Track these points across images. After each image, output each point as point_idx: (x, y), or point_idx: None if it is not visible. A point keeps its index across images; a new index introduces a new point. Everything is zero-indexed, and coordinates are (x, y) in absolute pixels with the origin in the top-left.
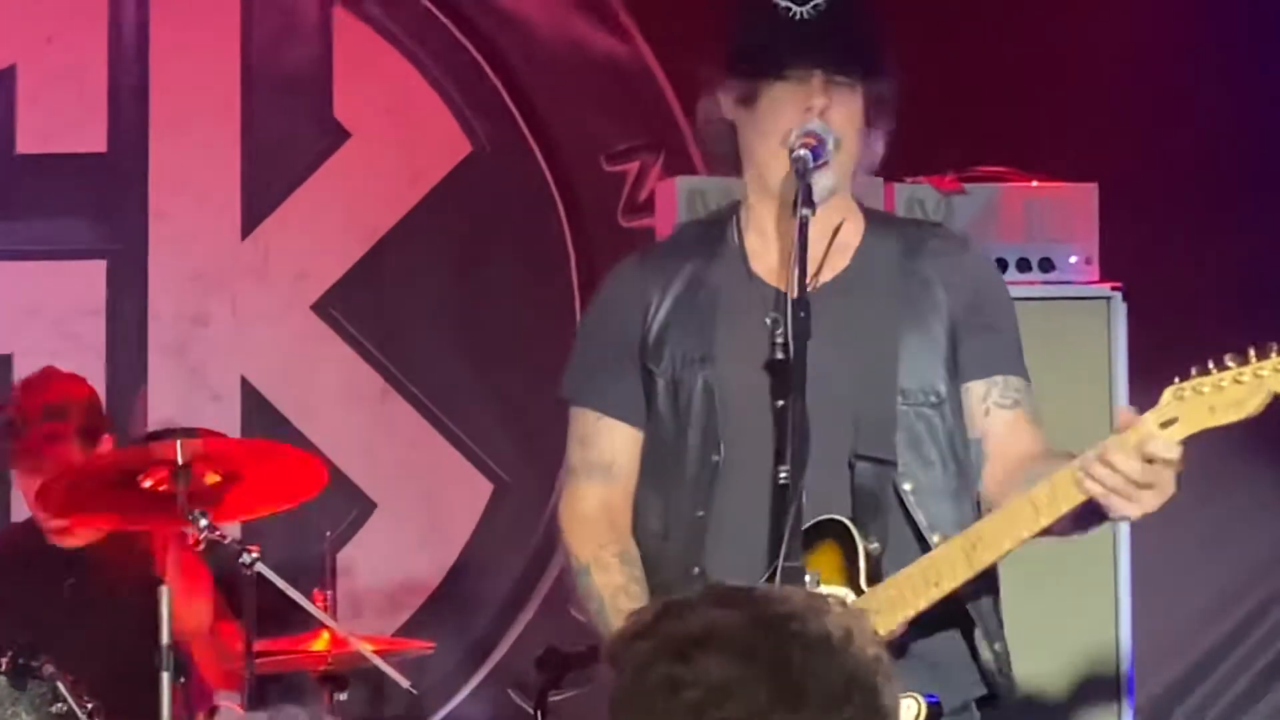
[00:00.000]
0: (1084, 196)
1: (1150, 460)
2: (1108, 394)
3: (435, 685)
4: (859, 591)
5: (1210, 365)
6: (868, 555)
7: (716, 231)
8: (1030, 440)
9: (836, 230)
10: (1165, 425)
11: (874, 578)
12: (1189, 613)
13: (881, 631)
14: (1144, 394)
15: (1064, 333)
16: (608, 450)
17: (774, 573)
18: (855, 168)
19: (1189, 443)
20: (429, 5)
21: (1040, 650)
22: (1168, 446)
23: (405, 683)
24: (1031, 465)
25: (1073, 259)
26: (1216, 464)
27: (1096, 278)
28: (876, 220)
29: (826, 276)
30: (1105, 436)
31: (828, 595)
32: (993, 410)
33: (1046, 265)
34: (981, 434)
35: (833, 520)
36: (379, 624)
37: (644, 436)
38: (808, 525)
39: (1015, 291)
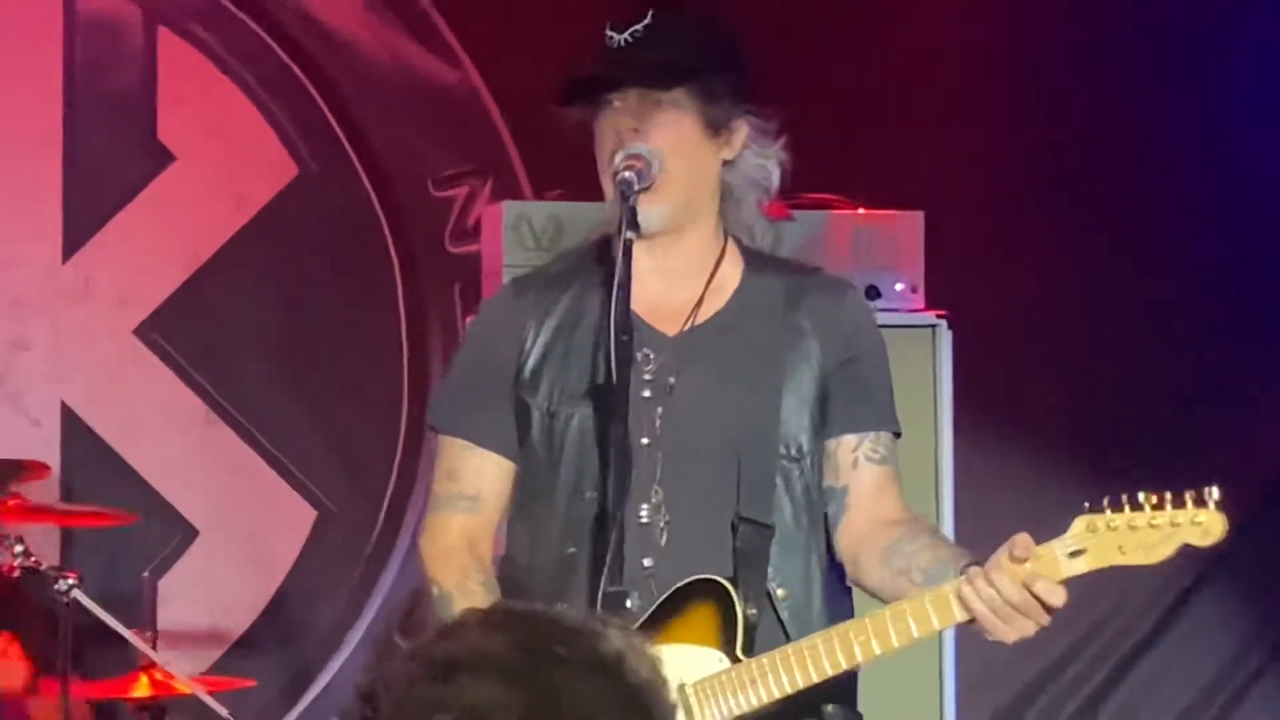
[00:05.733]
0: (910, 225)
1: (1034, 595)
2: (933, 421)
3: (257, 716)
4: (735, 659)
5: (1123, 499)
6: (746, 621)
7: (590, 263)
8: (894, 502)
9: (715, 268)
10: (1073, 555)
11: (749, 645)
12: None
13: (752, 705)
14: (968, 421)
15: (890, 360)
16: (474, 481)
17: (598, 597)
18: (703, 193)
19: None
20: (255, 27)
21: (863, 681)
22: (1052, 591)
23: (225, 713)
24: (898, 539)
25: (899, 287)
26: (1040, 492)
27: (922, 306)
28: (756, 261)
29: (704, 316)
30: (930, 464)
31: (641, 637)
32: (861, 462)
33: (873, 293)
34: (846, 485)
35: (712, 580)
36: (200, 653)
37: (516, 468)
38: (687, 581)
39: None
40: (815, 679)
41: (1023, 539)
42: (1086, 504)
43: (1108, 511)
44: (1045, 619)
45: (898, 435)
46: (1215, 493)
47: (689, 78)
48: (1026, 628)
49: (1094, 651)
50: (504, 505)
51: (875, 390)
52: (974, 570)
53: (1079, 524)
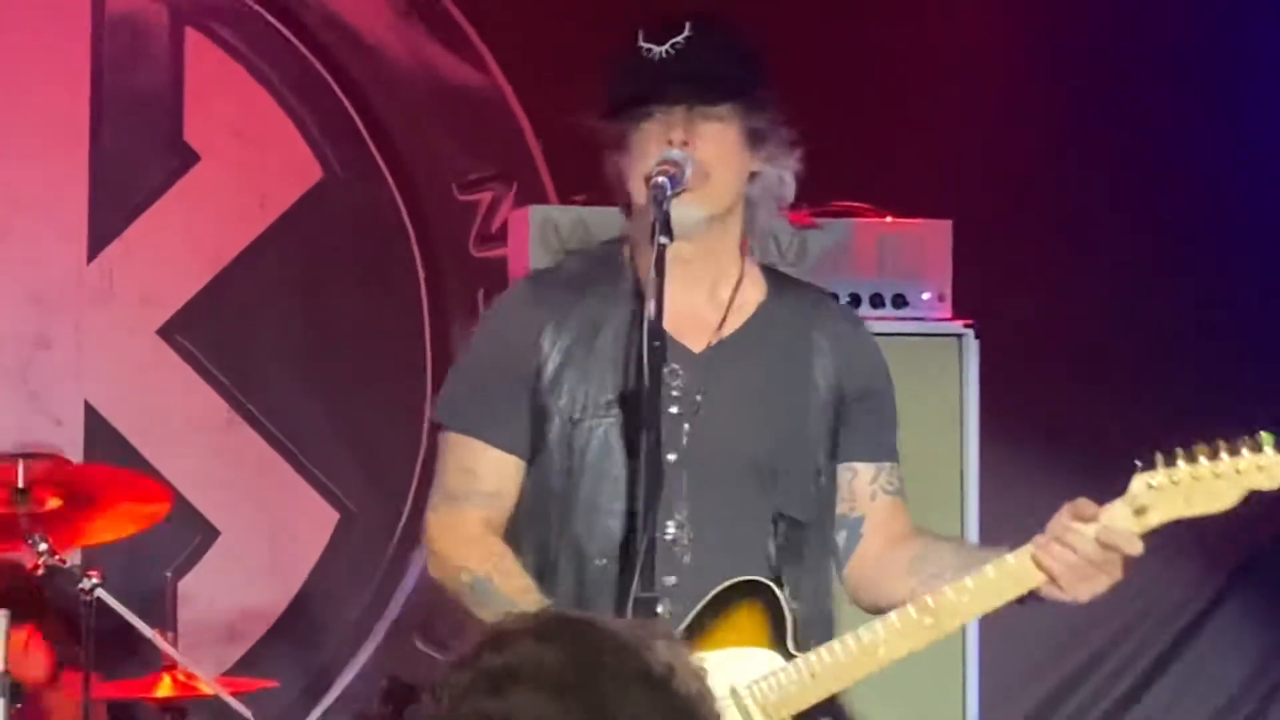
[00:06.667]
0: (938, 233)
1: (1110, 549)
2: (959, 431)
3: (277, 716)
4: (788, 655)
5: (1177, 454)
6: (794, 617)
7: (609, 268)
8: (904, 522)
9: (738, 286)
10: (1138, 513)
11: (799, 638)
12: (1037, 649)
13: (818, 697)
14: (995, 430)
15: (916, 369)
16: (495, 480)
17: (628, 604)
18: (737, 205)
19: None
20: (281, 28)
21: (887, 691)
22: (1130, 541)
23: (247, 713)
24: (922, 548)
25: (926, 296)
26: (1067, 501)
27: (949, 315)
28: (774, 276)
29: (729, 330)
30: (956, 473)
31: (680, 638)
32: (879, 495)
33: (900, 301)
34: (862, 515)
35: (752, 581)
36: (220, 653)
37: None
38: (727, 585)
39: (868, 328)
40: (884, 664)
41: (1085, 501)
42: (1138, 463)
43: (1163, 468)
44: (1120, 573)
45: (899, 464)
46: (1267, 436)
47: (739, 91)
48: (1101, 584)
49: (1116, 662)
50: (514, 502)
51: (892, 423)
52: (1041, 538)
53: (1138, 482)
